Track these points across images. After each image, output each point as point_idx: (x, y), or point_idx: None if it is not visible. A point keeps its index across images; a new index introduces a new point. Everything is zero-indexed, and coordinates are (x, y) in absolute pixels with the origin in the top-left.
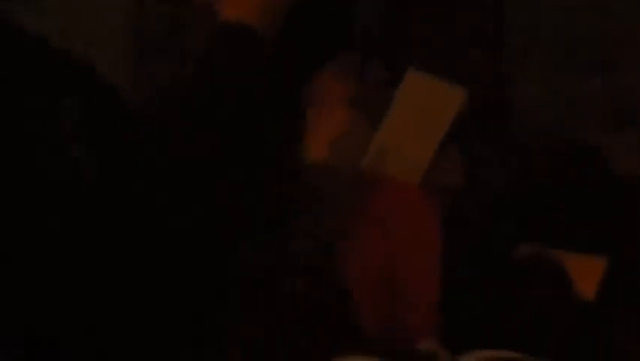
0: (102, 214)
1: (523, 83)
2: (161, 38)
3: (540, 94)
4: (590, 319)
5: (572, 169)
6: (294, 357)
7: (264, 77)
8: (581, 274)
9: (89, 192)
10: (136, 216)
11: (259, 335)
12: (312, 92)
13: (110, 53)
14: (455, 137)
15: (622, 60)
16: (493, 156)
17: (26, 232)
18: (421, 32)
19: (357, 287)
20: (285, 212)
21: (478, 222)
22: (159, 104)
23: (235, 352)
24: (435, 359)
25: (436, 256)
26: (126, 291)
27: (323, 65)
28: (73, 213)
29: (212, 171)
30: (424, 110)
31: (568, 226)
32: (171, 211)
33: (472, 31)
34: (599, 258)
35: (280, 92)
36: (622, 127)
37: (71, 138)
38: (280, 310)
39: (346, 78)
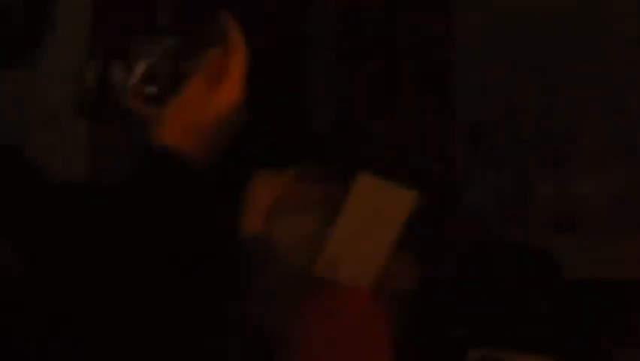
0: (32, 309)
1: (476, 182)
2: (114, 135)
3: (493, 194)
4: None
5: (523, 270)
6: None
7: (193, 198)
8: None
9: (17, 290)
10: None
11: None
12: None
13: (64, 149)
14: (407, 239)
15: (573, 160)
16: (443, 255)
17: None
18: (373, 130)
19: None
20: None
21: (429, 328)
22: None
23: None
24: None
25: None
26: None
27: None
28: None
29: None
30: (375, 214)
31: (518, 326)
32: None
33: (422, 125)
34: (548, 359)
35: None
36: (573, 229)
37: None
38: None
39: (304, 183)
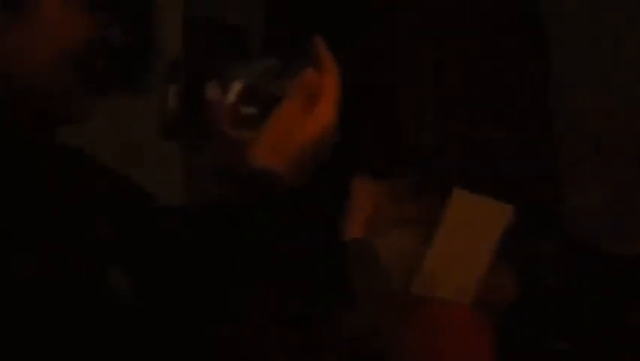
0: (138, 339)
1: (577, 194)
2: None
3: (595, 206)
4: None
5: (624, 283)
6: None
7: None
8: None
9: (124, 320)
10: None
11: None
12: (360, 206)
13: (160, 172)
14: (505, 251)
15: None
16: (544, 268)
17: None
18: (476, 144)
19: None
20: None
21: (529, 340)
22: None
23: None
24: None
25: None
26: None
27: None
28: (107, 340)
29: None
30: (471, 229)
31: (618, 340)
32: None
33: (525, 138)
34: None
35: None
36: None
37: (106, 258)
38: None
39: (401, 198)
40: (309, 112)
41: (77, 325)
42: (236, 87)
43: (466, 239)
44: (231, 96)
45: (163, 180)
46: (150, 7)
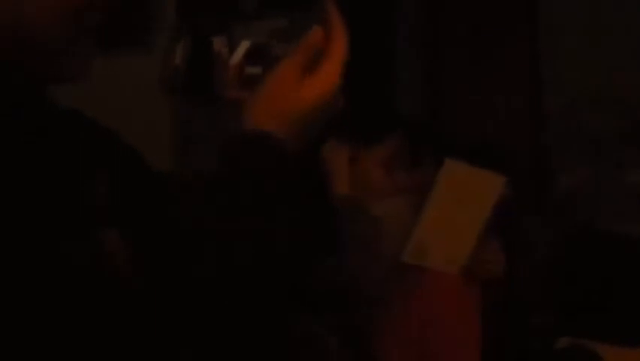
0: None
1: (567, 170)
2: (202, 129)
3: (583, 181)
4: None
5: (612, 260)
6: None
7: (285, 183)
8: None
9: (122, 286)
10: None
11: None
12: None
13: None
14: (495, 225)
15: None
16: (532, 242)
17: (45, 325)
18: (464, 107)
19: None
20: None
21: (518, 314)
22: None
23: None
24: None
25: (474, 350)
26: None
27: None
28: (100, 307)
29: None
30: (462, 199)
31: (607, 317)
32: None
33: (513, 116)
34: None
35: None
36: None
37: (103, 216)
38: None
39: (394, 164)
40: (312, 74)
41: (74, 290)
42: (243, 46)
43: (457, 209)
44: (237, 55)
45: (151, 145)
46: None
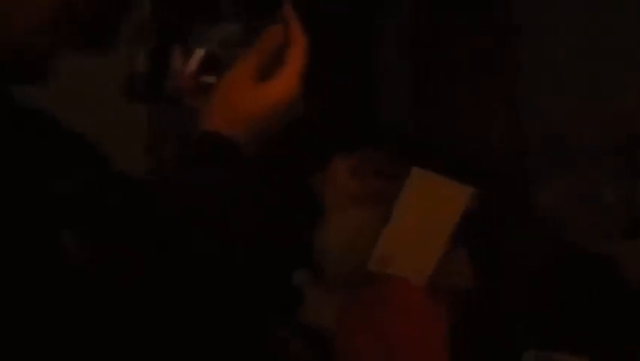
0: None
1: (544, 186)
2: (172, 126)
3: (559, 198)
4: None
5: (584, 276)
6: None
7: (243, 184)
8: None
9: (76, 284)
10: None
11: None
12: (325, 183)
13: (121, 139)
14: (463, 237)
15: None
16: (505, 257)
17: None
18: (444, 122)
19: None
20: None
21: (486, 327)
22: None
23: None
24: None
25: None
26: None
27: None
28: (58, 308)
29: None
30: (429, 209)
31: (578, 333)
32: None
33: (496, 132)
34: None
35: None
36: (635, 235)
37: (63, 222)
38: None
39: (363, 173)
40: (270, 78)
41: (24, 283)
42: (198, 54)
43: (423, 220)
44: (192, 64)
45: (126, 144)
46: None
